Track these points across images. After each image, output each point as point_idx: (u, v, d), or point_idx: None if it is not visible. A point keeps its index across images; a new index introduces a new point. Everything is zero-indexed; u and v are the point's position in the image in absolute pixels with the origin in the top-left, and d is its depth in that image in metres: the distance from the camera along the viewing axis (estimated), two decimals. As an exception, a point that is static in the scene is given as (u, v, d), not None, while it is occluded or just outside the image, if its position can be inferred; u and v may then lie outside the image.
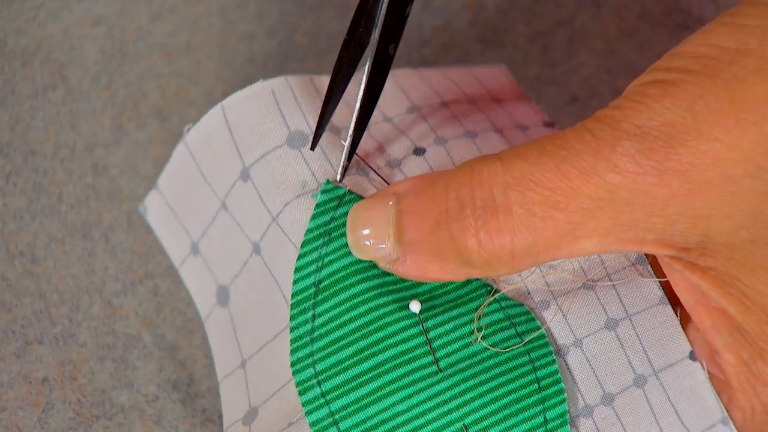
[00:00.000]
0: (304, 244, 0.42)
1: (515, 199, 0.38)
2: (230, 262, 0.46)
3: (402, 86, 0.47)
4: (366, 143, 0.44)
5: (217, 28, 0.59)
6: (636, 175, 0.37)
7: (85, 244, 0.54)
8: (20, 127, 0.56)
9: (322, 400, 0.41)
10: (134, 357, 0.51)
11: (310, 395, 0.41)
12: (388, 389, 0.41)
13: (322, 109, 0.42)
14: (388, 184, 0.43)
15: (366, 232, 0.41)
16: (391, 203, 0.41)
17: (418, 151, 0.44)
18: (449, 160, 0.44)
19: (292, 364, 0.42)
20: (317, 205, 0.42)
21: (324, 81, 0.45)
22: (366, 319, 0.41)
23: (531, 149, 0.39)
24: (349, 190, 0.43)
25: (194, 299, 0.48)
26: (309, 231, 0.42)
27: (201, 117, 0.46)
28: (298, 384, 0.41)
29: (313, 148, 0.43)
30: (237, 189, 0.45)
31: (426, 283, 0.42)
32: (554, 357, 0.41)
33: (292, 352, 0.42)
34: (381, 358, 0.41)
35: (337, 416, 0.41)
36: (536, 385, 0.41)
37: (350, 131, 0.42)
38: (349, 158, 0.43)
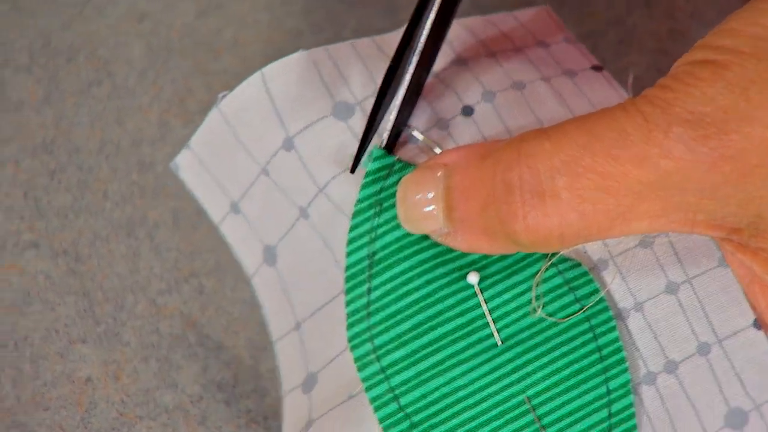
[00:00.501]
0: (355, 215, 0.42)
1: (564, 184, 0.38)
2: (275, 224, 0.46)
3: (447, 38, 0.46)
4: None
5: (264, 25, 0.58)
6: (689, 161, 0.37)
7: (130, 242, 0.53)
8: (65, 124, 0.56)
9: (381, 376, 0.41)
10: (179, 357, 0.51)
11: (369, 371, 0.41)
12: (448, 363, 0.41)
13: (365, 129, 0.42)
14: (439, 149, 0.43)
15: (416, 206, 0.41)
16: (440, 174, 0.40)
17: (467, 111, 0.44)
18: (499, 121, 0.43)
19: (350, 339, 0.42)
20: (367, 174, 0.42)
21: (366, 43, 0.45)
22: (423, 291, 0.41)
23: (580, 129, 0.38)
24: (398, 159, 0.42)
25: (238, 257, 0.48)
26: (359, 201, 0.42)
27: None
28: (356, 359, 0.41)
29: (353, 171, 0.42)
30: (279, 157, 0.44)
31: None
32: (615, 323, 0.41)
33: (349, 326, 0.42)
34: (440, 331, 0.41)
35: (397, 391, 0.41)
36: (598, 355, 0.41)
37: (391, 120, 0.42)
38: (393, 141, 0.43)
